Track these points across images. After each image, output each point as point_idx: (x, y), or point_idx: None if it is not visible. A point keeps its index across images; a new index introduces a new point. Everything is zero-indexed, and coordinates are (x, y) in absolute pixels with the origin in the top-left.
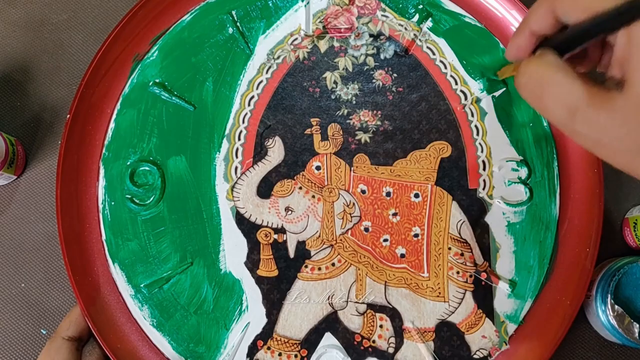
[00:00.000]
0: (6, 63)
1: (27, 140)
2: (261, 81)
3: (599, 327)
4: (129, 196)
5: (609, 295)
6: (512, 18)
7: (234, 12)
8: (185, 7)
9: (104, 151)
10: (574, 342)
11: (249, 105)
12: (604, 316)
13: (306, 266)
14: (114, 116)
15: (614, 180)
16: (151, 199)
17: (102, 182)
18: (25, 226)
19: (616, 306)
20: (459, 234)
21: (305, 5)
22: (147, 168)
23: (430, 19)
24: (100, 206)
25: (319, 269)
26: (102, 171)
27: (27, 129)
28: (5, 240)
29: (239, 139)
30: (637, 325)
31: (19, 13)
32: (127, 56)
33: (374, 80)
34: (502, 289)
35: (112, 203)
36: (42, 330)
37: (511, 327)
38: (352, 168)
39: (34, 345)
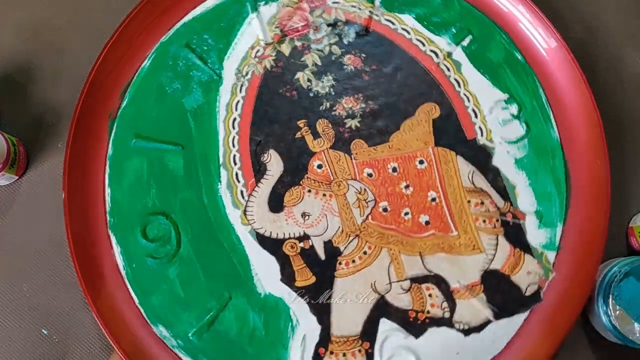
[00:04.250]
0: (8, 64)
1: (28, 140)
2: (238, 101)
3: (600, 328)
4: (148, 254)
5: (611, 295)
6: None
7: (190, 44)
8: (142, 54)
9: (108, 218)
10: (575, 342)
11: (233, 128)
12: (605, 317)
13: (340, 263)
14: (106, 182)
15: (616, 182)
16: (169, 248)
17: (117, 249)
18: (26, 227)
19: (618, 307)
20: (473, 184)
21: (257, 16)
22: (156, 220)
23: None
24: (123, 272)
25: (353, 261)
26: (113, 238)
27: (29, 129)
28: (7, 241)
29: (235, 163)
30: (639, 326)
31: (21, 15)
32: (103, 113)
33: (345, 67)
34: (530, 222)
35: (134, 265)
36: (43, 330)
37: (551, 255)
38: (352, 156)
39: (35, 346)
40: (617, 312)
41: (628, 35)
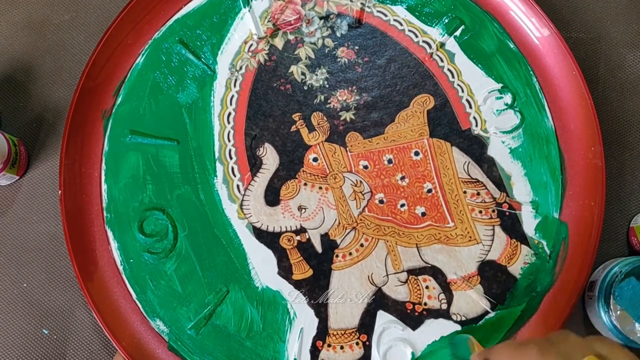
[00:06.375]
0: (8, 63)
1: (29, 140)
2: (232, 96)
3: (601, 328)
4: (145, 249)
5: (612, 296)
6: None
7: (183, 39)
8: (135, 51)
9: (105, 214)
10: None
11: (228, 122)
12: (606, 317)
13: (337, 255)
14: (102, 178)
15: (616, 182)
16: (166, 243)
17: (114, 245)
18: (27, 226)
19: (619, 307)
20: (469, 175)
21: (249, 10)
22: (152, 216)
23: None
24: (121, 267)
25: (350, 253)
26: (110, 234)
27: (30, 129)
28: (8, 240)
29: (231, 158)
30: (639, 326)
31: (21, 14)
32: (97, 110)
33: (338, 59)
34: (526, 212)
35: (131, 261)
36: (43, 330)
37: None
38: (347, 148)
39: (35, 345)
40: (618, 312)
41: (629, 35)
